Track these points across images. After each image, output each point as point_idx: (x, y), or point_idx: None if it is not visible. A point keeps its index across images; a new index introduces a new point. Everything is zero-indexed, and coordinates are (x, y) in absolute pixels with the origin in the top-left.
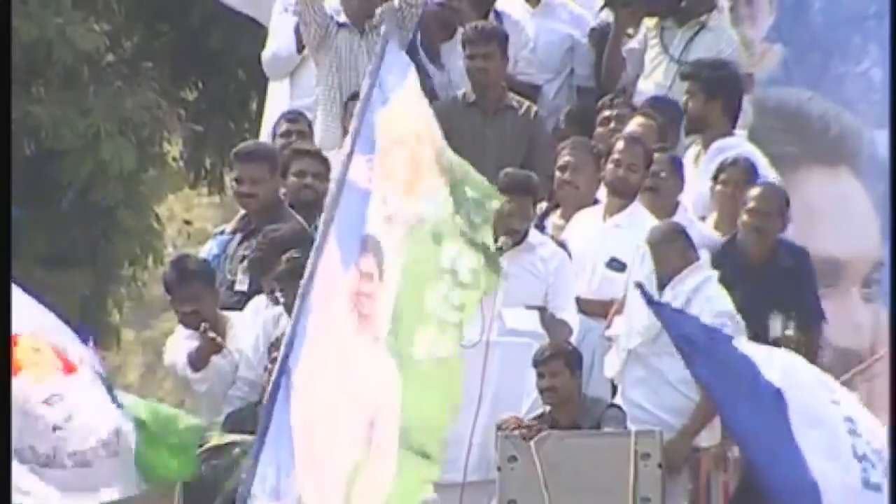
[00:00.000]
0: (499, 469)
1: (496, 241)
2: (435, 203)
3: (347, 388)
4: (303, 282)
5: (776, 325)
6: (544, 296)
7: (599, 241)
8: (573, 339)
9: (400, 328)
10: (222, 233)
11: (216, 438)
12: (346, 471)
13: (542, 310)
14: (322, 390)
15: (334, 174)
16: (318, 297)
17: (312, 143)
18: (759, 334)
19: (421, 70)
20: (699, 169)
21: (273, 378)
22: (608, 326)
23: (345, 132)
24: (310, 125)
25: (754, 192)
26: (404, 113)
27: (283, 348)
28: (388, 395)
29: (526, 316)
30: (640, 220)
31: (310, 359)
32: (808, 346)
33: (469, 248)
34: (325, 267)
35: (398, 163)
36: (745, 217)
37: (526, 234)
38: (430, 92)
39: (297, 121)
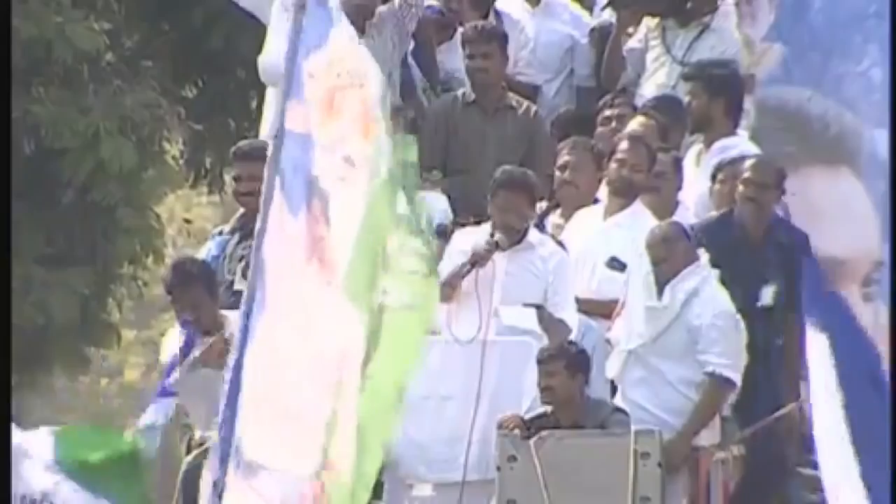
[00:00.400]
0: (498, 469)
1: (492, 235)
2: (385, 148)
3: (311, 337)
4: (255, 238)
5: (767, 295)
6: (544, 294)
7: (599, 241)
8: (572, 339)
9: (359, 275)
10: (221, 233)
11: (216, 438)
12: (324, 421)
13: (539, 308)
14: (285, 342)
15: (274, 124)
16: (272, 248)
17: None
18: (750, 308)
19: (408, 74)
20: (700, 169)
21: (238, 343)
22: (609, 328)
23: None
24: None
25: (748, 163)
26: (340, 57)
27: (242, 307)
28: (350, 340)
29: (524, 314)
30: (640, 219)
31: (270, 312)
32: (793, 325)
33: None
34: (275, 217)
35: (349, 104)
36: (740, 188)
37: (525, 233)
38: (413, 95)
39: None
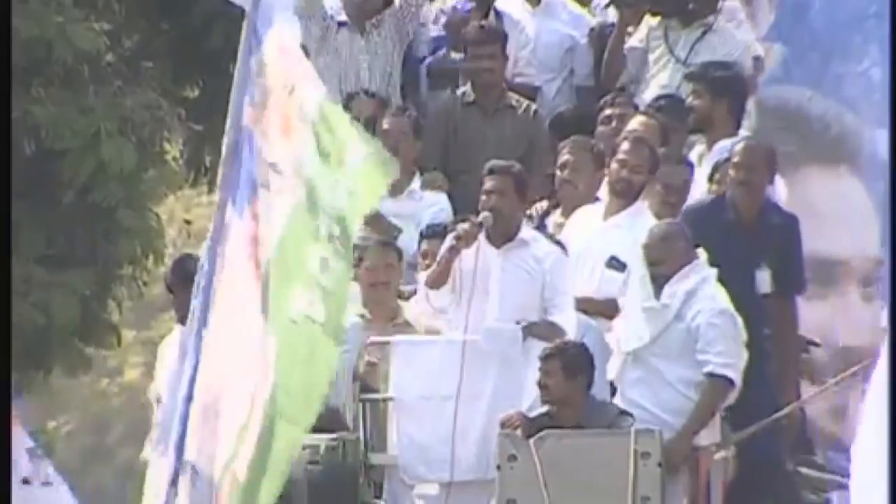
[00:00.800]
0: (498, 468)
1: (477, 214)
2: (307, 161)
3: (239, 343)
4: (209, 240)
5: (764, 282)
6: (540, 293)
7: (599, 241)
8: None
9: (277, 285)
10: None
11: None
12: (235, 430)
13: (525, 327)
14: (225, 348)
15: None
16: (226, 250)
17: None
18: (743, 292)
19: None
20: (701, 170)
21: (192, 354)
22: (610, 329)
23: None
24: None
25: (738, 147)
26: (271, 65)
27: (197, 312)
28: (263, 351)
29: (508, 332)
30: (640, 219)
31: (217, 315)
32: (785, 309)
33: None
34: (228, 217)
35: (273, 115)
36: (731, 172)
37: (518, 229)
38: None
39: None
